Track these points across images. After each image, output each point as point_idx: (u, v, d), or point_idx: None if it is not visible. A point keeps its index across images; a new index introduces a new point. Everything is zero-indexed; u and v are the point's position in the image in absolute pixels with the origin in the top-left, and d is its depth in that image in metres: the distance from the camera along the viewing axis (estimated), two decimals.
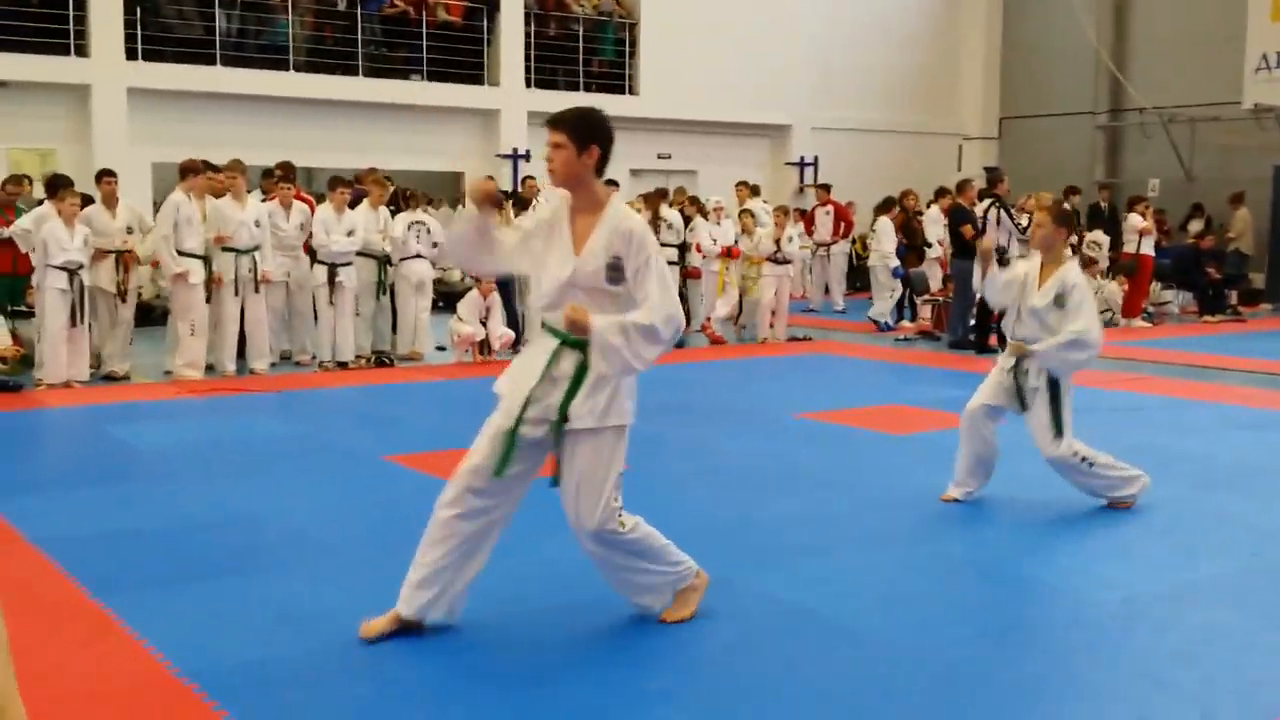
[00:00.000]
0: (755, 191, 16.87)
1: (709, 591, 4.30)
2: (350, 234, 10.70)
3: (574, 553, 4.18)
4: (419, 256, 11.50)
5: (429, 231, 11.53)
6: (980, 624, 4.31)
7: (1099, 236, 15.80)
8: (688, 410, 8.84)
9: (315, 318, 11.05)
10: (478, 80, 17.45)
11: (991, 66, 22.89)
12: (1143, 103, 20.42)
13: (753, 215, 13.49)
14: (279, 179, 11.30)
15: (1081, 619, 4.36)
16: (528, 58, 17.76)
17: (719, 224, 13.49)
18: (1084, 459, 5.79)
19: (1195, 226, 17.03)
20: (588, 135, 3.87)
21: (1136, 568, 5.00)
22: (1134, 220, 15.21)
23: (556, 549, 4.67)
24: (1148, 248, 15.18)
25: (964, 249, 12.42)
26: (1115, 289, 15.02)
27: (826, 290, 17.25)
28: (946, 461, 6.45)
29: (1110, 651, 4.06)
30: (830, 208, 17.43)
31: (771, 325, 13.19)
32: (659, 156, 18.92)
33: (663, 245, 13.35)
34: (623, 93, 18.74)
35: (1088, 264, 14.74)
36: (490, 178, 15.96)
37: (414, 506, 5.89)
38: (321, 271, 10.71)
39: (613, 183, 15.08)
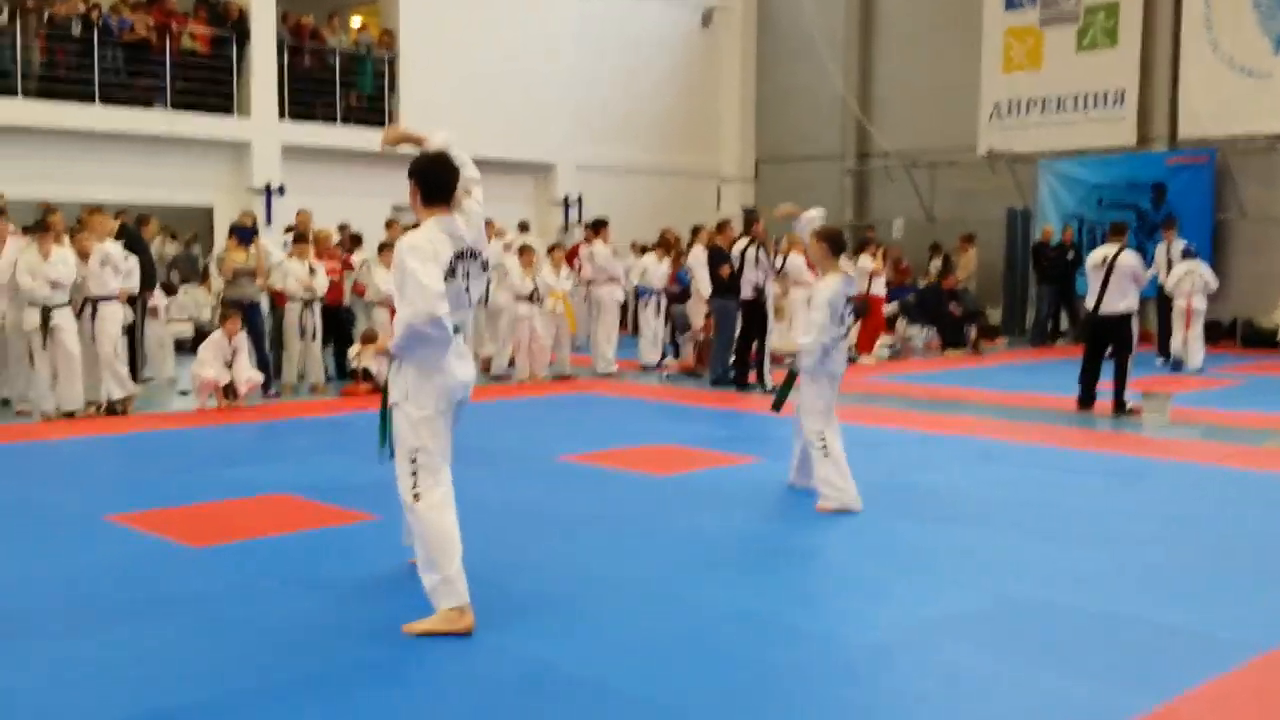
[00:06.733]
0: (524, 228, 16.86)
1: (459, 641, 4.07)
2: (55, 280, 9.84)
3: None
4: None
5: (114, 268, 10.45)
6: (729, 673, 4.21)
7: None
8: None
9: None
10: (227, 111, 16.70)
11: (747, 111, 23.59)
12: (887, 148, 21.46)
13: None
14: None
15: (831, 662, 4.34)
16: (281, 89, 17.12)
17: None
18: (824, 445, 6.63)
19: (936, 265, 17.93)
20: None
21: (882, 607, 5.03)
22: (863, 262, 15.85)
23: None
24: (878, 288, 15.80)
25: (723, 288, 12.63)
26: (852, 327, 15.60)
27: None
28: (706, 501, 6.39)
29: (859, 697, 4.04)
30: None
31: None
32: None
33: None
34: (383, 125, 18.29)
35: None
36: (247, 212, 14.89)
37: (133, 570, 5.44)
38: (34, 314, 9.88)
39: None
